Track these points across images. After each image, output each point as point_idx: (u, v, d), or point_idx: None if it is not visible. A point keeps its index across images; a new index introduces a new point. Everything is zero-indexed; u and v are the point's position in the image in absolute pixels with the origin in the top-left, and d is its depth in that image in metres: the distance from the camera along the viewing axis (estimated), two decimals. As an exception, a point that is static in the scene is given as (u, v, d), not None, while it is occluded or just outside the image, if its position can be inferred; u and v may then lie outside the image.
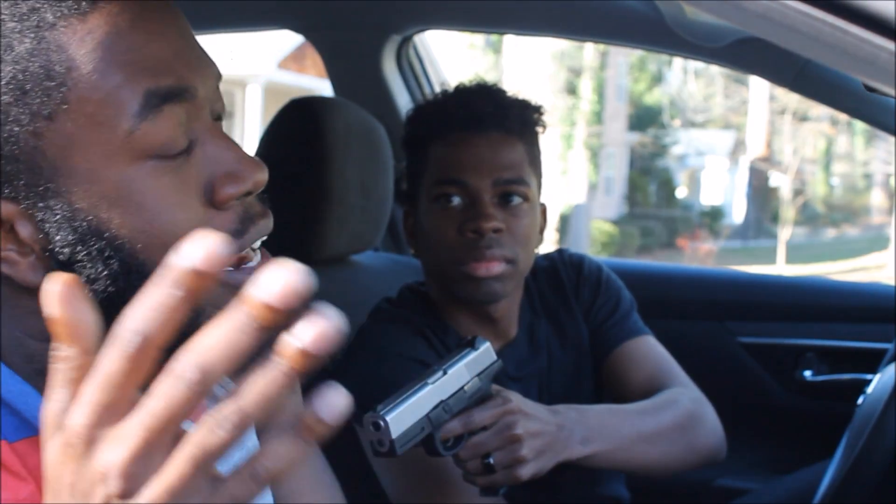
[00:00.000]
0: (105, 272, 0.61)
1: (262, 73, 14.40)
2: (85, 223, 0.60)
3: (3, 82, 0.57)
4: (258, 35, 10.97)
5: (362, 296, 1.58)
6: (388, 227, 1.77)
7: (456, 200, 1.34)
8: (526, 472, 1.12)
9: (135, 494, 0.41)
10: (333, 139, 1.49)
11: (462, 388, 1.10)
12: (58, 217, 0.59)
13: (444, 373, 1.08)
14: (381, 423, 0.98)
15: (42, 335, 0.62)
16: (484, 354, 1.15)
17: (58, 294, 0.41)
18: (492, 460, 1.11)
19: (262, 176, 0.67)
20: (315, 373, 0.40)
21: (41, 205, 0.59)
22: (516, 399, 1.15)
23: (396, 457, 0.99)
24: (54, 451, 0.43)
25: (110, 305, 0.56)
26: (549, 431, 1.15)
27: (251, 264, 0.68)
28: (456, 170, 1.34)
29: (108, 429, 0.41)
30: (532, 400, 1.40)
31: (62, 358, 0.42)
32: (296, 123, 1.52)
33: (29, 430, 0.61)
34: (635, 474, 1.43)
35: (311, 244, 1.50)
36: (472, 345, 1.14)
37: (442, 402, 1.06)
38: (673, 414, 1.32)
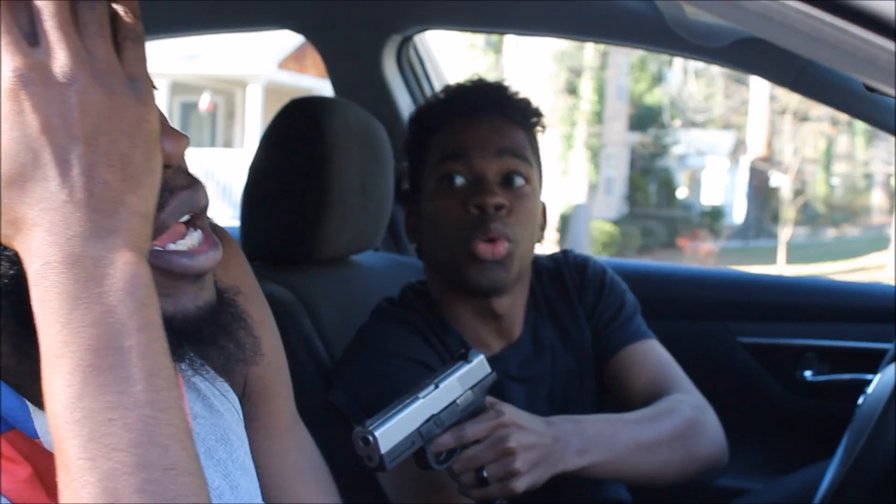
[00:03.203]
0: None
1: (262, 73, 14.39)
2: None
3: None
4: (258, 35, 10.97)
5: (362, 296, 1.57)
6: (388, 227, 1.76)
7: (460, 180, 1.35)
8: (520, 484, 1.12)
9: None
10: (333, 139, 1.49)
11: (454, 401, 1.09)
12: None
13: (436, 386, 1.07)
14: (370, 438, 0.98)
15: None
16: (477, 367, 1.14)
17: None
18: (485, 473, 1.10)
19: (177, 148, 0.62)
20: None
21: None
22: (510, 411, 1.14)
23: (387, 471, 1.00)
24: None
25: None
26: (543, 444, 1.14)
27: (183, 242, 0.64)
28: (460, 147, 1.36)
29: None
30: (535, 400, 1.39)
31: None
32: (296, 123, 1.52)
33: (6, 425, 0.63)
34: (634, 483, 1.43)
35: (311, 244, 1.50)
36: (465, 357, 1.14)
37: (433, 416, 1.06)
38: (672, 422, 1.31)
